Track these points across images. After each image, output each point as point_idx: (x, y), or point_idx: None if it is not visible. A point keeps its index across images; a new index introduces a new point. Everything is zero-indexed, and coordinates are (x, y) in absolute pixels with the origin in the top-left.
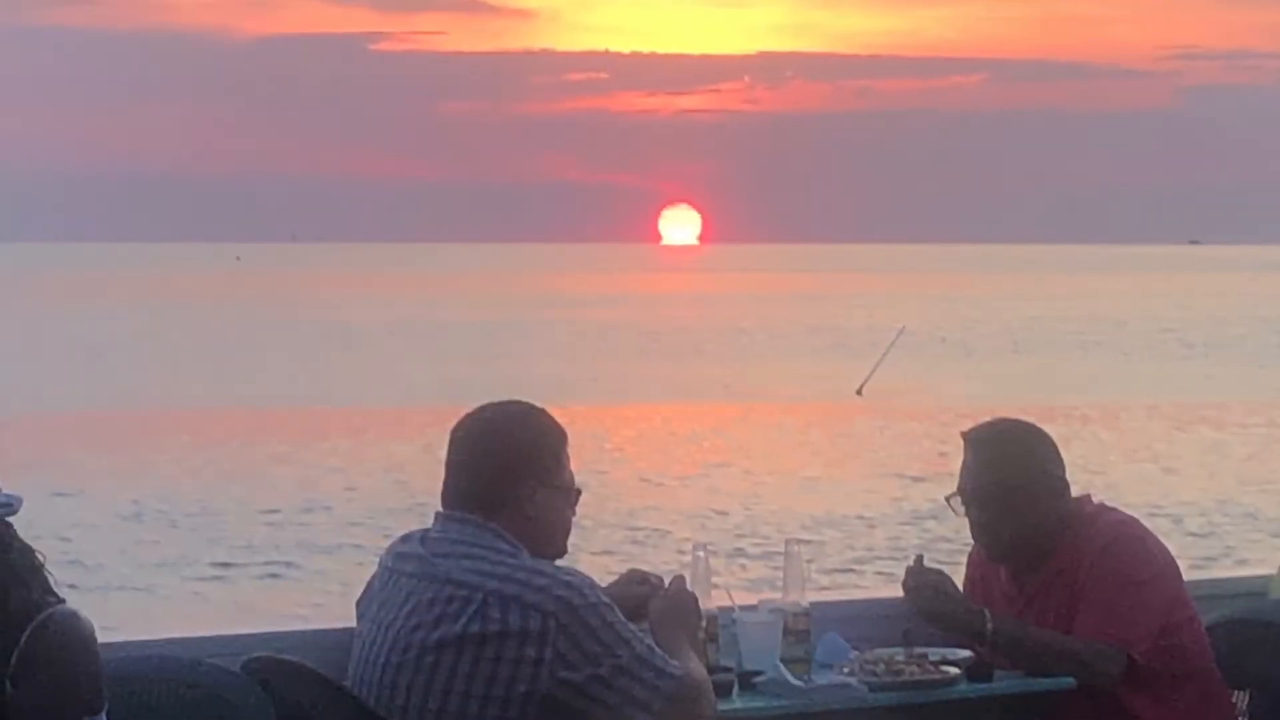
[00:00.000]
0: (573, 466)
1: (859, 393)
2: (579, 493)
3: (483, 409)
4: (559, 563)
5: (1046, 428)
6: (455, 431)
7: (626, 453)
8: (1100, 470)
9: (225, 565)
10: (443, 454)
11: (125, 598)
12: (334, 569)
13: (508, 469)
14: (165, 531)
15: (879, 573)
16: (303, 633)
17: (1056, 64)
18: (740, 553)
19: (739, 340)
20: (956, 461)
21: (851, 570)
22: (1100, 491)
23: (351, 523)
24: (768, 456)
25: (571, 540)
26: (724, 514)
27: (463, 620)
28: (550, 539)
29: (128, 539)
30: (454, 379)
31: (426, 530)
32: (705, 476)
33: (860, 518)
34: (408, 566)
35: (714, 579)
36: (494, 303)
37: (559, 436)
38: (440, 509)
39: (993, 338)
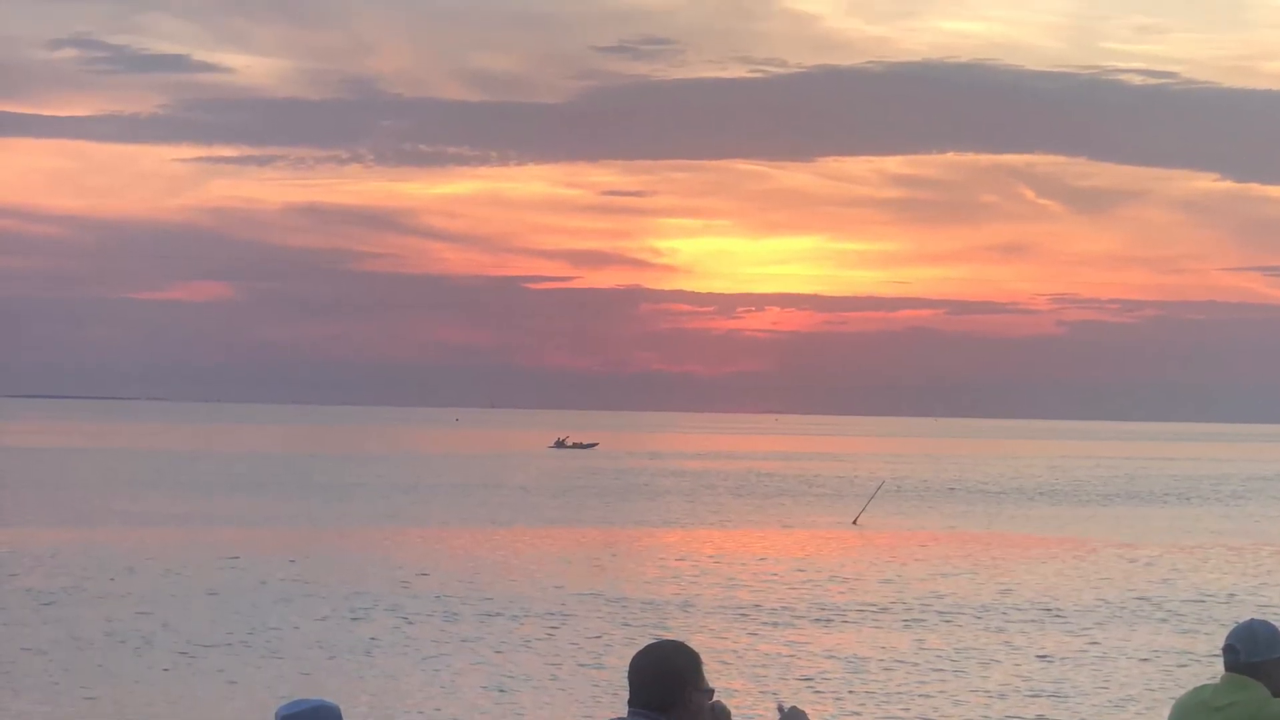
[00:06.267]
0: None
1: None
2: (713, 691)
3: (651, 646)
4: None
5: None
6: (635, 661)
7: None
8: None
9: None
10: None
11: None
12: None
13: (674, 682)
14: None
15: None
16: None
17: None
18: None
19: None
20: None
21: None
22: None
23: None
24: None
25: None
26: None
27: None
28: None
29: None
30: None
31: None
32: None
33: None
34: None
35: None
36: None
37: (698, 659)
38: (629, 707)
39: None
